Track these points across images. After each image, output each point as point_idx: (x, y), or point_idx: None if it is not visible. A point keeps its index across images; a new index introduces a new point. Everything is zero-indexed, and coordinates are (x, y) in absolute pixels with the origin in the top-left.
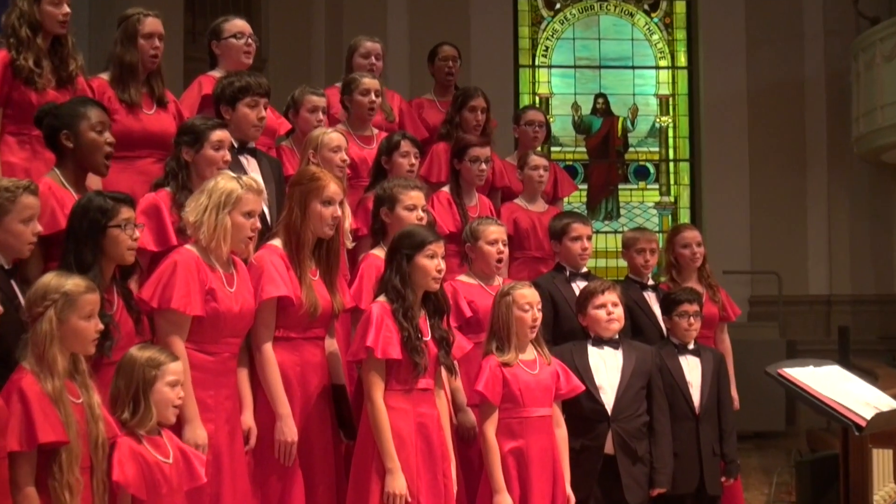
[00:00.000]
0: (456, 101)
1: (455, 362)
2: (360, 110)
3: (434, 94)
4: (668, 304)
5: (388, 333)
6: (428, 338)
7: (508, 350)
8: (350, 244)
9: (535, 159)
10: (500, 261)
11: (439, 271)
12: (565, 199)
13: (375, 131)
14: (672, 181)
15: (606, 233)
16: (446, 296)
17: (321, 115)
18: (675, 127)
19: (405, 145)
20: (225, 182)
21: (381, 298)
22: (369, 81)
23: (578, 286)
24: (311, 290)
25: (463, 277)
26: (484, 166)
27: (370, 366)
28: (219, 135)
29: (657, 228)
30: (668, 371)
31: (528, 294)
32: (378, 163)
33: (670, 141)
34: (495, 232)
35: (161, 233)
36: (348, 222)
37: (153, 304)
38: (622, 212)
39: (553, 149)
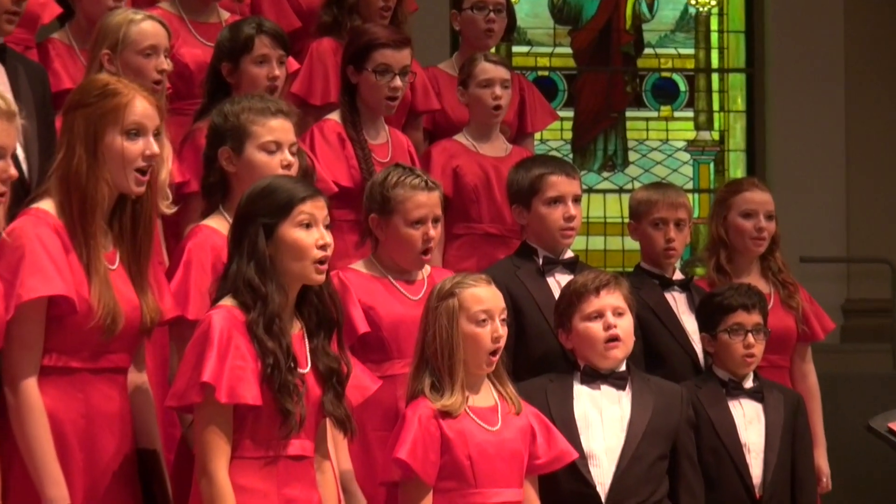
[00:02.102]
0: None
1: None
2: None
3: None
4: (712, 313)
5: (240, 362)
6: (307, 369)
7: (451, 390)
8: (168, 209)
9: (489, 69)
10: (425, 252)
11: (322, 248)
12: (537, 136)
13: (226, 15)
14: (717, 106)
15: (606, 192)
16: (337, 295)
17: None
18: (721, 15)
19: (262, 44)
20: None
21: (228, 302)
22: None
23: (559, 282)
24: (106, 286)
25: (360, 266)
26: (399, 82)
27: (208, 417)
28: None
29: (691, 186)
30: (708, 426)
31: (484, 295)
32: (216, 72)
33: (713, 38)
34: (425, 205)
35: None
36: (167, 171)
37: None
38: (632, 157)
39: (517, 50)
